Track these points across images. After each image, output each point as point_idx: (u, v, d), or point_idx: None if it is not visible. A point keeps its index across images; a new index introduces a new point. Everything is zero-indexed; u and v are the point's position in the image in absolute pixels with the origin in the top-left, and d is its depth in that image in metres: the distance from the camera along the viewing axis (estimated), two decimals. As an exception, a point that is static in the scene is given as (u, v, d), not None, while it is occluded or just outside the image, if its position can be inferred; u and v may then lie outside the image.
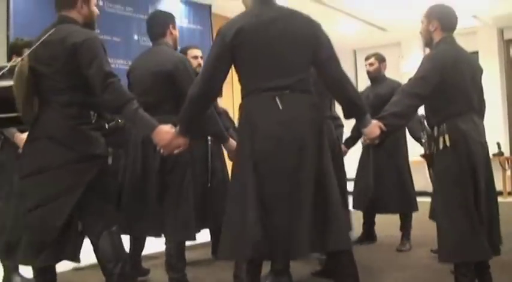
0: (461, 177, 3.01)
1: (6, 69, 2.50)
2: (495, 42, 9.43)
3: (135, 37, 6.48)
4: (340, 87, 2.67)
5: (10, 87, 2.46)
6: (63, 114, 2.56)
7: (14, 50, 3.67)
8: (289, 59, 2.54)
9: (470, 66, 3.22)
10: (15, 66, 2.50)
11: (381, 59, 5.02)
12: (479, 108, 3.24)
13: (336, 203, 2.50)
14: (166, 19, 3.63)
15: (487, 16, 8.69)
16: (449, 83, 3.04)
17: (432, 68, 3.06)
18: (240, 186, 2.49)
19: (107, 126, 2.92)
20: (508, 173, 8.81)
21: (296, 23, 2.60)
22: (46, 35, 2.58)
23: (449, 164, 3.05)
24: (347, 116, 2.81)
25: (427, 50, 3.44)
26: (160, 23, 3.60)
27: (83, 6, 2.70)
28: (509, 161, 8.91)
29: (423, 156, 3.44)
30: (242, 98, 2.61)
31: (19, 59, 2.57)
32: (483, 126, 3.22)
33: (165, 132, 2.67)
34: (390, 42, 9.73)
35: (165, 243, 3.42)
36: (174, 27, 3.62)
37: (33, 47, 2.60)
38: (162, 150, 2.78)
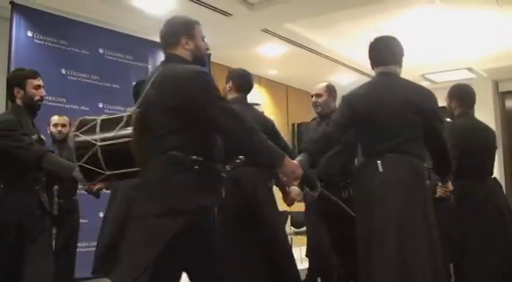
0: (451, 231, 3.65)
1: (124, 119, 2.34)
2: (490, 95, 9.54)
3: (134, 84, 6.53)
4: (443, 149, 3.06)
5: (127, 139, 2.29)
6: (159, 161, 2.33)
7: (15, 81, 3.42)
8: (395, 124, 2.88)
9: (484, 138, 3.89)
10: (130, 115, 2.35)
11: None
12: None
13: None
14: None
15: (481, 69, 8.82)
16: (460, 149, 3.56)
17: (454, 136, 3.53)
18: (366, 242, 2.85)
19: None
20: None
21: (407, 92, 2.98)
22: (154, 76, 2.45)
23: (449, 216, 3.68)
24: (437, 172, 3.27)
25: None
26: None
27: (188, 43, 2.58)
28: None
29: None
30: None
31: (132, 108, 2.40)
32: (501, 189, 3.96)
33: (292, 162, 2.60)
34: (386, 93, 9.83)
35: None
36: None
37: (145, 90, 2.44)
38: (285, 179, 2.74)
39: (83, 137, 2.33)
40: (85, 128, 2.36)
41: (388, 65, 3.06)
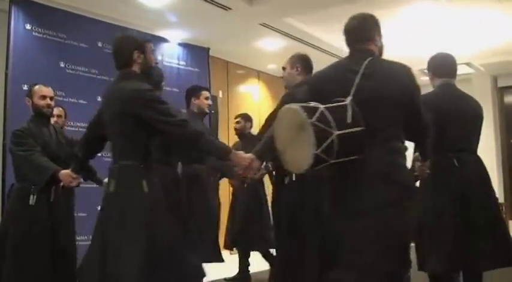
0: None
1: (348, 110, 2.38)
2: (489, 90, 9.54)
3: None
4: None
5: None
6: (385, 149, 2.46)
7: (135, 43, 2.97)
8: (470, 128, 3.57)
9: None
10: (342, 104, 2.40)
11: (247, 119, 5.91)
12: None
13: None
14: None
15: (480, 64, 8.82)
16: None
17: None
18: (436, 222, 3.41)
19: None
20: (503, 219, 8.79)
21: (474, 101, 3.69)
22: (363, 68, 2.50)
23: None
24: None
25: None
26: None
27: (378, 39, 2.71)
28: (504, 208, 8.90)
29: None
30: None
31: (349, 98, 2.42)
32: None
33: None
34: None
35: None
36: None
37: (356, 81, 2.47)
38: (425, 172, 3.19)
39: (322, 126, 2.31)
40: (317, 116, 2.32)
41: (451, 77, 3.65)
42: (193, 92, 4.64)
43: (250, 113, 6.13)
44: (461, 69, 8.43)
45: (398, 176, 2.46)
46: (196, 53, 7.49)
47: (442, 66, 3.68)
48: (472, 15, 6.76)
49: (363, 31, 2.67)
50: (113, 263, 2.68)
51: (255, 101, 9.29)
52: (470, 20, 6.89)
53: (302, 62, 3.69)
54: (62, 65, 5.71)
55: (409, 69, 2.60)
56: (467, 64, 8.51)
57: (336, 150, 2.31)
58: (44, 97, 3.92)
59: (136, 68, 2.96)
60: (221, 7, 6.28)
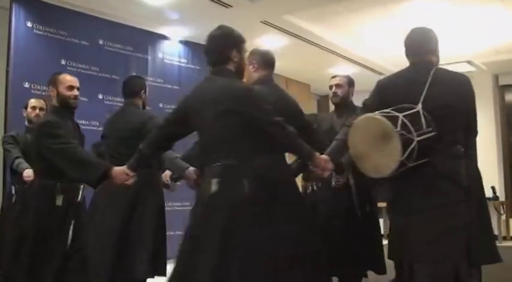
0: None
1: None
2: (490, 88, 9.53)
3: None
4: None
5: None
6: (449, 153, 2.67)
7: (234, 42, 3.01)
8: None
9: None
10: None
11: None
12: None
13: None
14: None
15: (481, 62, 8.81)
16: None
17: None
18: None
19: None
20: (503, 217, 8.79)
21: None
22: (431, 77, 2.69)
23: None
24: None
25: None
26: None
27: (438, 50, 2.91)
28: (504, 206, 8.90)
29: None
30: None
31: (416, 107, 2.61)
32: None
33: None
34: (386, 86, 9.83)
35: None
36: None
37: (425, 92, 2.65)
38: None
39: (406, 134, 2.49)
40: (400, 124, 2.50)
41: None
42: None
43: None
44: (462, 68, 8.49)
45: (460, 179, 2.67)
46: (197, 50, 7.46)
47: None
48: (472, 13, 6.74)
49: (425, 44, 2.88)
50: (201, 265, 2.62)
51: (255, 98, 9.27)
52: (471, 17, 6.88)
53: (259, 58, 3.48)
54: (63, 62, 5.73)
55: (469, 79, 2.83)
56: (469, 62, 8.49)
57: (415, 155, 2.50)
58: (72, 87, 3.61)
59: (231, 67, 2.90)
60: (222, 4, 6.28)
